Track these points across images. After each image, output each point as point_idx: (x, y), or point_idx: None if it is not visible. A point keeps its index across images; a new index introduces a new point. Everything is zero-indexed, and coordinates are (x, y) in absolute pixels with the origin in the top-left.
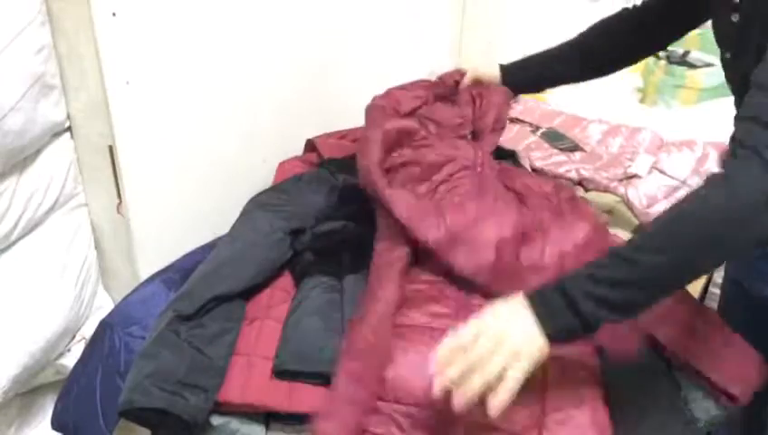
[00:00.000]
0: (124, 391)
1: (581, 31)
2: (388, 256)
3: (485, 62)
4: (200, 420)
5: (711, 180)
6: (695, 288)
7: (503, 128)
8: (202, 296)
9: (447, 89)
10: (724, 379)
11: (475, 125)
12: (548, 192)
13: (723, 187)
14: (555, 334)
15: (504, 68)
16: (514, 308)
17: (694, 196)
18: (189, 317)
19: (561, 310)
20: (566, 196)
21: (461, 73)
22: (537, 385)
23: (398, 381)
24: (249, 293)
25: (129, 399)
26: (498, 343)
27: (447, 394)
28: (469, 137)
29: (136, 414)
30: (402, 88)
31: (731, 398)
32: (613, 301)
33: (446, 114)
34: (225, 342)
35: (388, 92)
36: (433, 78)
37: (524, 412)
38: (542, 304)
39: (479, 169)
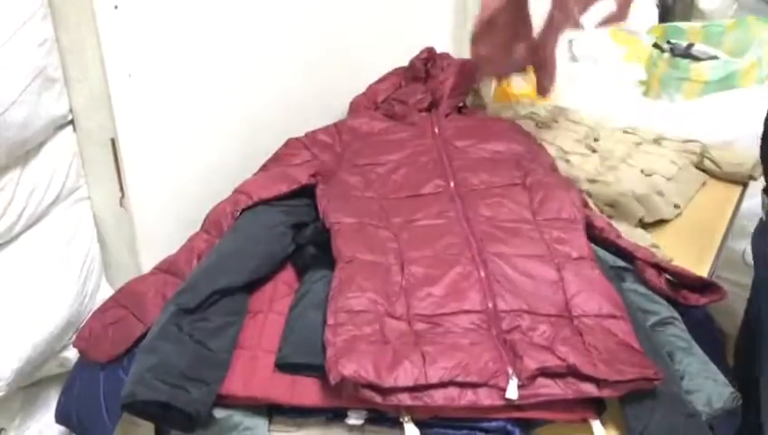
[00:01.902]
0: (126, 384)
1: None
2: None
3: None
4: (203, 413)
5: None
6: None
7: (462, 94)
8: (205, 290)
9: (419, 69)
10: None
11: (434, 95)
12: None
13: None
14: None
15: None
16: None
17: None
18: (192, 310)
19: None
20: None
21: (428, 50)
22: None
23: None
24: (252, 286)
25: (131, 392)
26: None
27: None
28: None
29: (138, 408)
30: (380, 81)
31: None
32: None
33: (412, 92)
34: (228, 335)
35: (368, 89)
36: None
37: None
38: None
39: (435, 132)
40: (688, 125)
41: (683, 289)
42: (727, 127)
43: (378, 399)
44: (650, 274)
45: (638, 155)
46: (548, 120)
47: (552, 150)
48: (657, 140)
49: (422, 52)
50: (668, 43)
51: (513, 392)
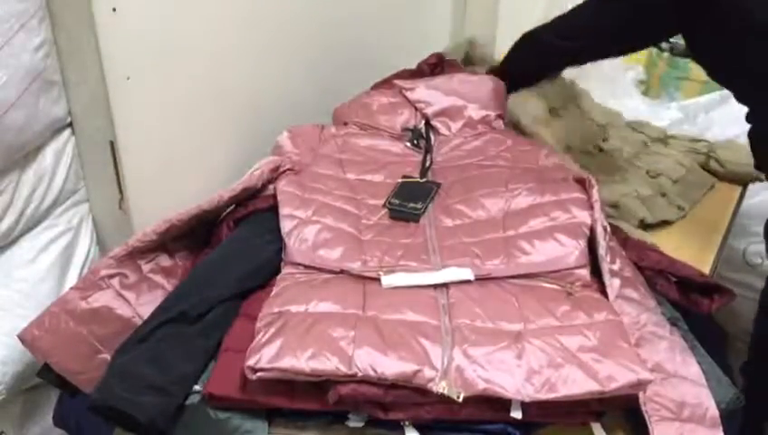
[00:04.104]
0: (95, 387)
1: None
2: None
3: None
4: (159, 423)
5: None
6: None
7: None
8: (196, 297)
9: (425, 73)
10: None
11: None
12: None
13: None
14: None
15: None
16: None
17: None
18: (178, 318)
19: None
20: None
21: (437, 56)
22: None
23: None
24: (249, 292)
25: (94, 397)
26: None
27: None
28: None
29: (103, 411)
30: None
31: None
32: None
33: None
34: (205, 347)
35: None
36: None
37: None
38: None
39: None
40: (689, 123)
41: (692, 293)
42: (727, 125)
43: (380, 415)
44: (660, 281)
45: (645, 155)
46: (558, 103)
47: (558, 148)
48: (664, 139)
49: (431, 57)
50: (668, 42)
51: (517, 413)
